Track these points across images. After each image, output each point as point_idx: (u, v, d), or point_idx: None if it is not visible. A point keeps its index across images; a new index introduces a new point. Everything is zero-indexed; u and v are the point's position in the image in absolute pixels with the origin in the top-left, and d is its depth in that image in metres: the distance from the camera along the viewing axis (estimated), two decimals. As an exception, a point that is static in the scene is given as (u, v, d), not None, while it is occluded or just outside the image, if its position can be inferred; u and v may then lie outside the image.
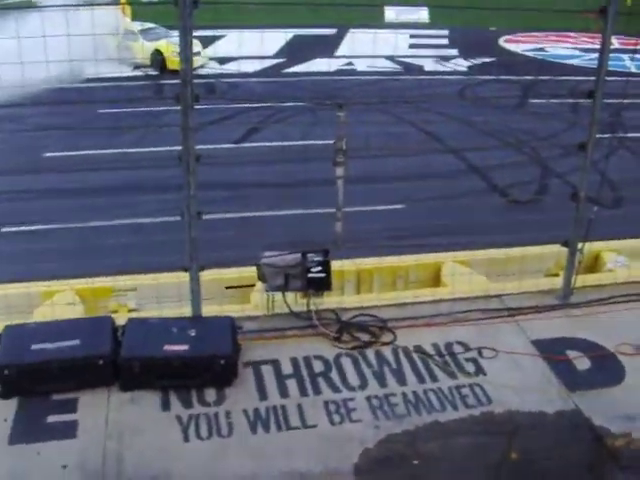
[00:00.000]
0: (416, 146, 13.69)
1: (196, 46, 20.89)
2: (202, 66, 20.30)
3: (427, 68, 22.09)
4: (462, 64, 22.72)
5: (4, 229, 10.27)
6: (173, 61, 20.46)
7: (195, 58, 21.41)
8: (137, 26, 22.43)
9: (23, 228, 10.28)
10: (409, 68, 21.94)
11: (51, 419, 4.50)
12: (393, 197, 11.15)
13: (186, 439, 4.40)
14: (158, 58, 21.31)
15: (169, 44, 20.97)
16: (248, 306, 5.94)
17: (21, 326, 5.18)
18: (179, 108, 4.94)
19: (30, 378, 4.71)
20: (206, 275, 5.51)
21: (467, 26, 24.77)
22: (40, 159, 13.24)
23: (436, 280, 6.68)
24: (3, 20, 12.84)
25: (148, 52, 21.48)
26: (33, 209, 10.90)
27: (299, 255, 5.65)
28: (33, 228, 10.27)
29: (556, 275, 6.53)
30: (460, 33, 25.74)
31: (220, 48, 19.16)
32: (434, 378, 5.00)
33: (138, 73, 21.08)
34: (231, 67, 20.06)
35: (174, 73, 20.05)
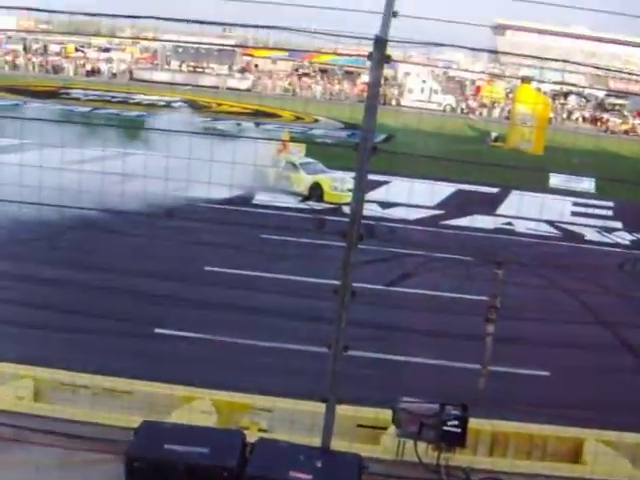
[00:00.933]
0: (570, 314, 13.32)
1: (349, 183, 22.24)
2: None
3: (588, 237, 21.72)
4: (625, 237, 22.17)
5: (158, 330, 10.88)
6: (331, 194, 22.55)
7: (350, 194, 22.61)
8: (297, 159, 24.13)
9: (177, 333, 10.82)
10: (570, 235, 21.68)
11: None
12: (538, 362, 10.81)
13: None
14: (317, 190, 22.82)
15: (328, 179, 22.96)
16: (378, 447, 5.91)
17: (158, 424, 5.43)
18: (343, 244, 5.21)
19: (157, 474, 4.89)
20: (341, 409, 5.57)
21: (634, 200, 24.28)
22: (202, 271, 14.08)
23: (575, 456, 6.35)
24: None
25: (307, 184, 23.09)
26: (188, 316, 11.48)
27: (437, 406, 5.61)
28: (184, 334, 10.77)
29: None
30: (627, 207, 25.31)
31: (384, 193, 19.88)
32: None
33: (303, 206, 22.25)
34: (392, 212, 20.75)
35: (331, 205, 21.87)
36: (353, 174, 5.31)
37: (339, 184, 22.71)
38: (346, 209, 18.46)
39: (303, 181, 23.26)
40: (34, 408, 6.23)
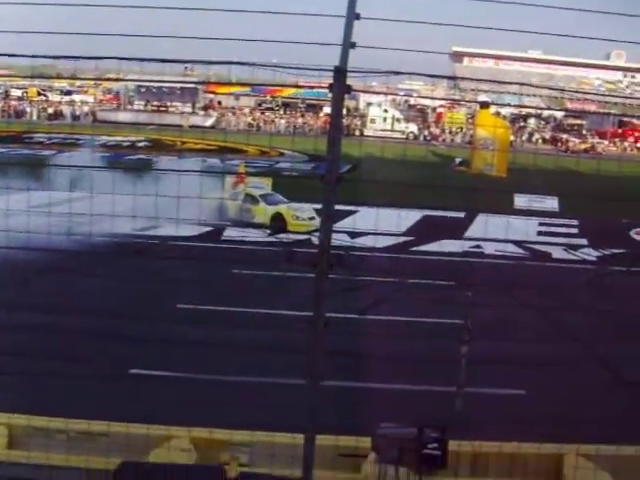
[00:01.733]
0: (541, 332, 13.45)
1: (309, 212, 22.92)
2: (317, 230, 21.51)
3: (555, 255, 22.02)
4: (591, 253, 22.52)
5: (133, 370, 10.78)
6: (293, 224, 23.07)
7: (311, 222, 22.98)
8: (256, 192, 24.66)
9: (149, 372, 10.73)
10: (537, 255, 21.96)
11: None
12: (514, 382, 10.89)
13: None
14: (279, 221, 23.27)
15: (289, 209, 23.49)
16: (359, 476, 5.91)
17: (137, 464, 5.38)
18: (312, 275, 5.24)
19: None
20: (321, 439, 5.56)
21: (598, 217, 24.71)
22: (173, 309, 14.00)
23: (557, 473, 6.41)
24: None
25: (269, 215, 23.56)
26: (161, 356, 11.38)
27: (415, 430, 5.63)
28: (158, 373, 10.68)
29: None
30: (590, 223, 25.74)
31: (352, 223, 20.04)
32: None
33: (272, 239, 22.32)
34: (361, 241, 20.88)
35: (294, 234, 22.12)
36: (317, 205, 5.37)
37: (300, 213, 23.23)
38: (315, 240, 18.55)
39: (264, 212, 23.72)
40: (8, 456, 6.14)
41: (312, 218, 22.56)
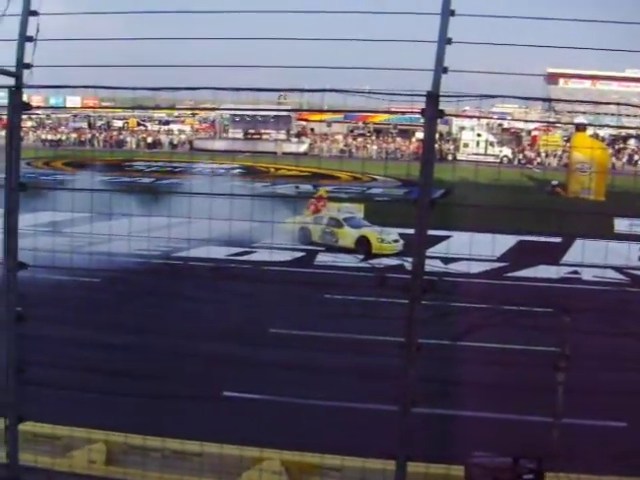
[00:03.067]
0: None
1: (393, 234, 23.33)
2: (403, 254, 22.50)
3: (658, 282, 21.13)
4: (697, 282, 21.49)
5: (227, 393, 10.97)
6: (378, 246, 23.54)
7: (396, 245, 23.41)
8: (340, 215, 25.36)
9: (243, 395, 10.88)
10: (638, 281, 21.11)
11: None
12: (613, 413, 10.45)
13: None
14: (364, 243, 23.69)
15: (373, 231, 23.97)
16: (450, 505, 5.80)
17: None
18: (405, 301, 5.24)
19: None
20: (412, 466, 5.50)
21: None
22: (266, 333, 14.17)
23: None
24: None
25: (353, 238, 24.04)
26: (254, 379, 11.52)
27: (510, 460, 5.49)
28: (252, 396, 10.82)
29: None
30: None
31: (445, 248, 19.85)
32: None
33: (364, 264, 22.37)
34: (454, 267, 20.62)
35: (384, 258, 22.20)
36: (410, 230, 5.36)
37: (385, 236, 23.59)
38: (407, 265, 18.43)
39: (349, 235, 24.21)
40: (107, 472, 6.34)
41: (396, 241, 23.36)
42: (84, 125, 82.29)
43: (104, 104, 59.30)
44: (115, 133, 76.92)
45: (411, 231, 5.44)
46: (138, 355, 12.18)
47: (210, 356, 11.91)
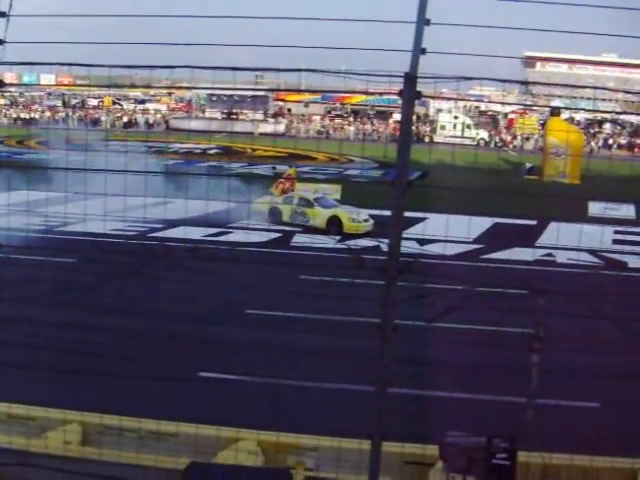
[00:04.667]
0: (616, 342, 13.06)
1: (365, 214, 23.87)
2: (369, 233, 23.34)
3: (631, 265, 21.37)
4: (670, 263, 21.78)
5: (203, 374, 10.97)
6: (350, 225, 23.98)
7: (367, 224, 23.90)
8: (310, 195, 25.73)
9: (220, 375, 10.89)
10: (612, 264, 21.36)
11: None
12: (587, 394, 10.61)
13: None
14: (335, 223, 24.15)
15: (344, 211, 24.49)
16: (426, 484, 5.86)
17: (205, 465, 5.48)
18: (381, 282, 5.24)
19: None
20: (387, 446, 5.54)
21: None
22: (243, 314, 14.17)
23: (630, 488, 6.22)
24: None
25: (324, 217, 24.43)
26: (231, 361, 11.52)
27: (484, 439, 5.55)
28: (229, 377, 10.83)
29: None
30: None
31: (421, 229, 19.95)
32: None
33: (341, 245, 22.41)
34: (430, 248, 20.72)
35: (350, 236, 22.38)
36: (387, 212, 5.36)
37: (355, 215, 23.95)
38: (384, 247, 18.49)
39: (320, 215, 24.58)
40: (82, 452, 6.33)
41: (366, 220, 23.88)
42: (58, 103, 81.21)
43: (79, 82, 58.48)
44: (90, 112, 76.02)
45: (388, 213, 5.45)
46: (113, 336, 12.11)
47: (186, 337, 11.90)
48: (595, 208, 28.82)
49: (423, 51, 5.08)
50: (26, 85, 77.96)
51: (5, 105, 75.08)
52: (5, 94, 70.60)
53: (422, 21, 5.05)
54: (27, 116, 71.94)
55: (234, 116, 71.47)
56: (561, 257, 21.41)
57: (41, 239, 18.58)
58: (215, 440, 6.48)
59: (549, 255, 21.69)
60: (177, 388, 10.37)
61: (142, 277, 15.37)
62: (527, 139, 67.59)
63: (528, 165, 42.73)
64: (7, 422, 6.56)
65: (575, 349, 11.60)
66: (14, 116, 71.04)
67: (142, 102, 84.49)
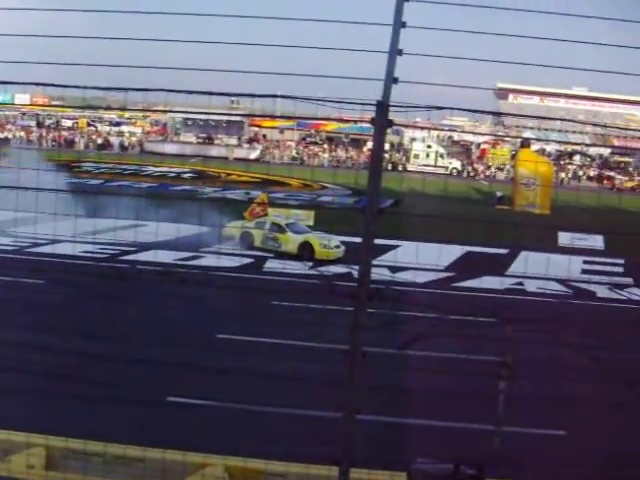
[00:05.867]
0: (583, 371, 13.17)
1: (336, 241, 24.06)
2: (340, 259, 23.41)
3: (600, 294, 21.65)
4: (638, 293, 22.09)
5: (170, 398, 10.87)
6: (321, 252, 23.97)
7: (338, 250, 24.00)
8: (282, 221, 25.69)
9: (189, 400, 10.80)
10: (581, 293, 21.62)
11: None
12: (554, 422, 10.68)
13: None
14: (307, 249, 24.10)
15: (316, 237, 24.50)
16: (393, 511, 5.84)
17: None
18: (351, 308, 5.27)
19: None
20: (355, 472, 5.53)
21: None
22: (213, 339, 14.10)
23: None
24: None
25: (296, 243, 24.41)
26: (200, 384, 11.44)
27: (451, 466, 5.56)
28: (197, 402, 10.75)
29: None
30: (638, 263, 25.27)
31: (393, 257, 20.07)
32: None
33: (313, 272, 22.43)
34: (401, 276, 20.82)
35: (321, 262, 22.34)
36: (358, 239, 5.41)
37: (327, 242, 24.06)
38: (356, 274, 18.57)
39: (292, 240, 24.55)
40: (46, 477, 6.22)
41: (338, 247, 23.93)
42: (32, 124, 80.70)
43: (54, 103, 58.19)
44: (64, 133, 75.62)
45: (359, 239, 5.48)
46: (81, 359, 11.97)
47: (155, 361, 11.79)
48: (564, 238, 29.18)
49: (395, 80, 5.16)
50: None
51: (-22, 124, 74.46)
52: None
53: (395, 51, 5.13)
54: (0, 135, 71.35)
55: (209, 141, 71.55)
56: (531, 286, 21.62)
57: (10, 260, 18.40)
58: (182, 465, 6.41)
59: (519, 284, 21.90)
60: (145, 412, 10.26)
61: (112, 300, 15.24)
62: (500, 169, 68.46)
63: (499, 194, 43.21)
64: (-31, 445, 6.45)
65: (542, 377, 11.70)
66: (-13, 135, 70.44)
67: (117, 124, 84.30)
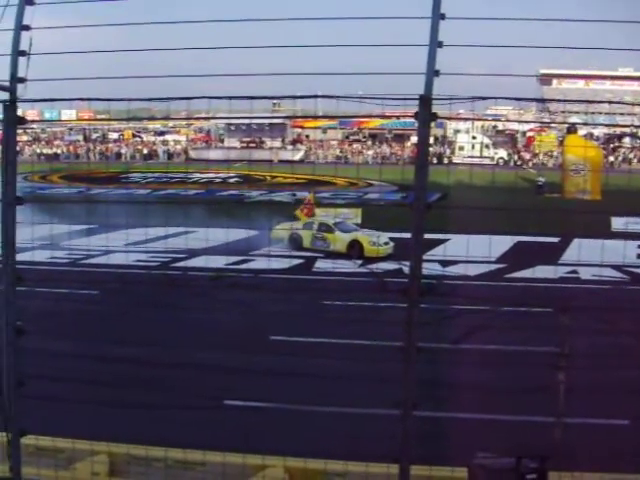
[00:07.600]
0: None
1: (384, 237, 23.87)
2: (390, 256, 23.15)
3: (658, 279, 21.13)
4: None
5: (228, 401, 10.96)
6: (371, 249, 23.82)
7: (387, 247, 23.75)
8: (330, 220, 25.76)
9: (246, 403, 10.87)
10: (638, 278, 21.12)
11: None
12: (616, 411, 10.45)
13: None
14: (356, 247, 24.01)
15: (365, 235, 24.44)
16: (455, 507, 5.80)
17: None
18: (404, 304, 5.25)
19: None
20: (415, 469, 5.50)
21: None
22: (267, 341, 14.17)
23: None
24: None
25: (345, 242, 24.33)
26: (254, 387, 11.52)
27: (513, 460, 5.49)
28: (254, 404, 10.81)
29: None
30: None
31: (444, 251, 19.89)
32: None
33: (363, 270, 22.38)
34: (453, 269, 20.64)
35: (371, 260, 22.35)
36: (407, 235, 5.37)
37: (376, 239, 23.91)
38: (406, 270, 18.48)
39: (341, 240, 24.51)
40: (111, 484, 6.35)
41: (387, 243, 23.78)
42: (79, 138, 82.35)
43: (99, 116, 59.27)
44: (111, 145, 76.98)
45: (408, 235, 5.45)
46: (138, 366, 12.17)
47: (211, 365, 11.91)
48: (618, 223, 28.55)
49: (437, 73, 5.12)
50: (47, 121, 79.24)
51: (28, 141, 76.20)
52: (28, 131, 71.66)
53: (435, 43, 5.10)
54: (49, 151, 72.98)
55: (253, 145, 72.00)
56: (585, 274, 21.22)
57: (64, 272, 18.78)
58: (242, 468, 6.47)
59: (573, 272, 21.51)
60: (204, 416, 10.37)
61: (165, 307, 15.44)
62: (550, 156, 67.35)
63: (540, 181, 42.39)
64: (35, 454, 6.59)
65: (602, 366, 11.47)
66: (37, 152, 72.09)
67: (162, 134, 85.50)
